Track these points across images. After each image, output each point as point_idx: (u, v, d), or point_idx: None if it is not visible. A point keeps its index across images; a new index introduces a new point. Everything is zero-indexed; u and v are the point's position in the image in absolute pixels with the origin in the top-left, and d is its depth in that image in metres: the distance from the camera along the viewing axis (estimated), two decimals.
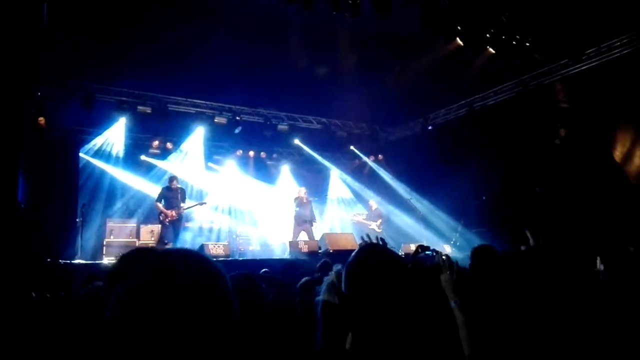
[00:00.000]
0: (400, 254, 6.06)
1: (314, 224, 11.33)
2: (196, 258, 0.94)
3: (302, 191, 11.62)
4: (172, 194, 10.24)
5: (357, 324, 1.67)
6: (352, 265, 1.80)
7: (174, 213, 10.04)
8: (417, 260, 2.86)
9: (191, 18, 8.78)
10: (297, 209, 11.29)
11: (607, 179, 8.96)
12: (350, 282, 1.77)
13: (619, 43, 9.12)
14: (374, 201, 12.91)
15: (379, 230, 12.02)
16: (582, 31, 9.07)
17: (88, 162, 11.87)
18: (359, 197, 14.88)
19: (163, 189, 10.39)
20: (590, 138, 9.42)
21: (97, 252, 10.32)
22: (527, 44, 9.57)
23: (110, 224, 10.85)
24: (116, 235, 10.63)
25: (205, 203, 11.24)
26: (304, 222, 11.15)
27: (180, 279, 0.87)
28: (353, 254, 1.85)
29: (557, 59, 10.09)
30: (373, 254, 1.84)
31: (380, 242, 3.66)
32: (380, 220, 12.27)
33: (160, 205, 10.07)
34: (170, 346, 0.81)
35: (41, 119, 10.42)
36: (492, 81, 11.46)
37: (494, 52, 9.78)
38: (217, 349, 0.85)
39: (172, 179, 10.47)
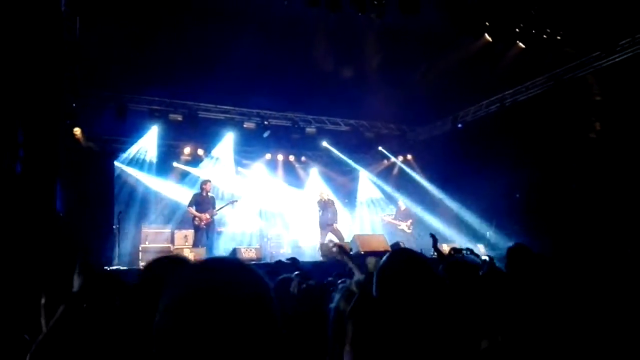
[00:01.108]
0: (432, 254, 6.03)
1: (335, 225, 11.22)
2: (240, 267, 0.96)
3: (323, 193, 11.56)
4: (204, 199, 10.41)
5: (387, 327, 1.67)
6: (384, 270, 1.80)
7: (207, 216, 10.19)
8: (457, 259, 2.84)
9: (217, 25, 8.89)
10: (321, 212, 11.21)
11: None
12: (381, 286, 1.76)
13: None
14: (403, 201, 12.81)
15: (409, 231, 11.93)
16: (615, 21, 8.81)
17: (123, 170, 12.18)
18: (389, 197, 14.79)
19: (195, 194, 10.57)
20: (626, 130, 9.14)
21: (134, 258, 10.56)
22: (558, 37, 9.36)
23: (145, 230, 11.07)
24: (151, 241, 10.84)
25: (236, 201, 11.35)
26: (327, 225, 11.09)
27: (226, 288, 0.89)
28: (384, 258, 1.85)
29: (590, 51, 9.83)
30: (404, 259, 1.84)
31: (432, 239, 3.67)
32: (410, 221, 12.15)
33: (193, 210, 10.24)
34: (216, 354, 0.83)
35: (77, 130, 10.74)
36: (523, 76, 11.21)
37: (524, 46, 9.59)
38: (263, 356, 0.87)
39: (205, 181, 10.65)
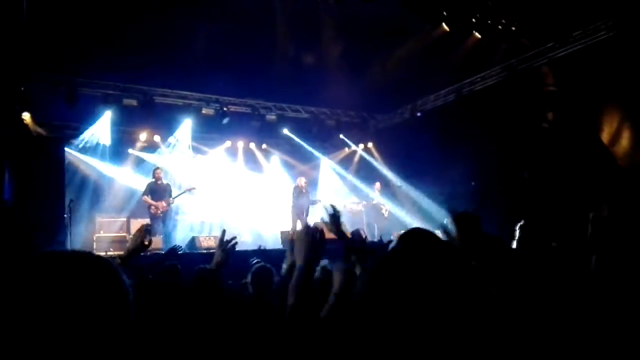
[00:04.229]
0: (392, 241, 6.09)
1: (308, 214, 11.39)
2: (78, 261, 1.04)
3: (302, 181, 11.68)
4: (159, 187, 10.18)
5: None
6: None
7: (164, 204, 9.97)
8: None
9: (176, 8, 8.66)
10: (296, 199, 11.28)
11: (595, 161, 9.00)
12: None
13: (604, 25, 9.11)
14: (379, 186, 13.09)
15: (387, 216, 12.36)
16: (568, 14, 9.04)
17: (74, 157, 11.75)
18: (349, 185, 14.88)
19: (149, 183, 10.32)
20: (578, 120, 9.45)
21: (87, 248, 10.21)
22: (513, 28, 9.53)
23: (99, 219, 10.76)
24: (106, 230, 10.56)
25: (194, 188, 11.06)
26: (301, 212, 11.19)
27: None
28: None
29: (544, 42, 10.07)
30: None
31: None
32: (389, 206, 12.55)
33: (148, 199, 10.01)
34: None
35: (25, 115, 10.29)
36: (480, 66, 11.43)
37: (480, 36, 9.74)
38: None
39: (156, 169, 10.41)
